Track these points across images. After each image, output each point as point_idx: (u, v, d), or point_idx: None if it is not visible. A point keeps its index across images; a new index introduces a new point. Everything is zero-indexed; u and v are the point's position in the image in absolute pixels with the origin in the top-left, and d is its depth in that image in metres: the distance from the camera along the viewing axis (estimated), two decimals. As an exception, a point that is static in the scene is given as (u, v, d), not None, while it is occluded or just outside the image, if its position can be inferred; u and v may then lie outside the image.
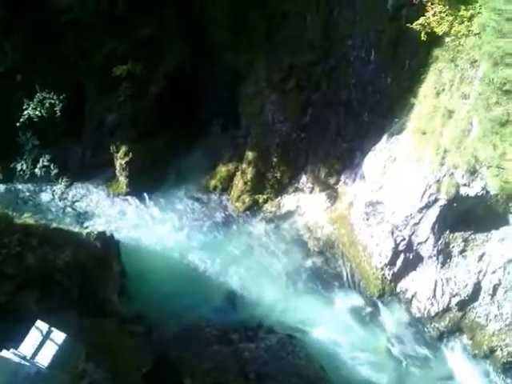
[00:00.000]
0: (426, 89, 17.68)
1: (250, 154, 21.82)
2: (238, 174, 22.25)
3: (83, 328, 11.95)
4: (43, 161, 13.05)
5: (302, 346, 18.09)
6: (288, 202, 22.04)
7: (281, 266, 20.76)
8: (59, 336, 9.16)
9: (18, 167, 12.75)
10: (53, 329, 9.16)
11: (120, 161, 21.68)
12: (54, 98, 12.76)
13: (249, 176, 21.86)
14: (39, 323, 9.15)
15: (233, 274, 20.51)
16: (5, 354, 8.79)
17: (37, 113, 12.81)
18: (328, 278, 20.39)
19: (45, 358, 9.02)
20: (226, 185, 22.59)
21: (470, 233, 18.04)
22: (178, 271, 20.18)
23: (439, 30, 16.14)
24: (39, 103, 12.85)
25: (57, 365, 9.03)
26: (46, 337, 9.05)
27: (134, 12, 20.21)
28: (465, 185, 16.82)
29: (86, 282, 16.47)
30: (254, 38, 21.16)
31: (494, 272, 17.40)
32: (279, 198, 22.17)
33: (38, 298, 14.50)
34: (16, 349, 8.95)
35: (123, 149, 21.65)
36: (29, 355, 8.91)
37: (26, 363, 8.83)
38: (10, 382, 8.32)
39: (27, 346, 9.01)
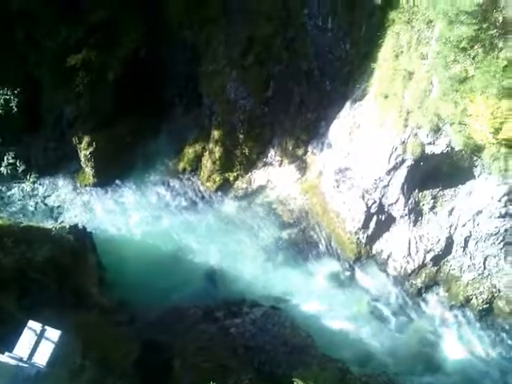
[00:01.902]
0: (385, 52, 17.87)
1: (215, 133, 21.68)
2: (206, 153, 22.12)
3: (63, 323, 11.79)
4: (8, 159, 12.69)
5: (287, 316, 18.45)
6: (258, 177, 22.13)
7: (257, 240, 21.00)
8: (54, 334, 9.09)
9: (-17, 168, 12.32)
10: (46, 327, 9.07)
11: (84, 152, 21.22)
12: (9, 93, 12.30)
13: (217, 155, 21.77)
14: (31, 323, 9.02)
15: (210, 254, 20.62)
16: (1, 358, 8.66)
17: (-8, 110, 12.35)
18: (305, 247, 20.75)
19: (42, 358, 8.94)
20: (195, 166, 22.45)
21: (438, 189, 18.61)
22: (156, 256, 20.12)
23: (394, -8, 16.29)
24: (-7, 100, 12.37)
25: (55, 362, 8.99)
26: (41, 336, 8.97)
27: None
28: (430, 143, 17.24)
29: (63, 276, 16.24)
30: (210, 13, 20.76)
31: (464, 225, 18.04)
32: (249, 174, 22.22)
33: (16, 298, 14.23)
34: (10, 351, 8.83)
35: (86, 139, 21.18)
36: (25, 357, 8.82)
37: (24, 365, 8.75)
38: (10, 386, 8.23)
39: (22, 347, 8.90)
